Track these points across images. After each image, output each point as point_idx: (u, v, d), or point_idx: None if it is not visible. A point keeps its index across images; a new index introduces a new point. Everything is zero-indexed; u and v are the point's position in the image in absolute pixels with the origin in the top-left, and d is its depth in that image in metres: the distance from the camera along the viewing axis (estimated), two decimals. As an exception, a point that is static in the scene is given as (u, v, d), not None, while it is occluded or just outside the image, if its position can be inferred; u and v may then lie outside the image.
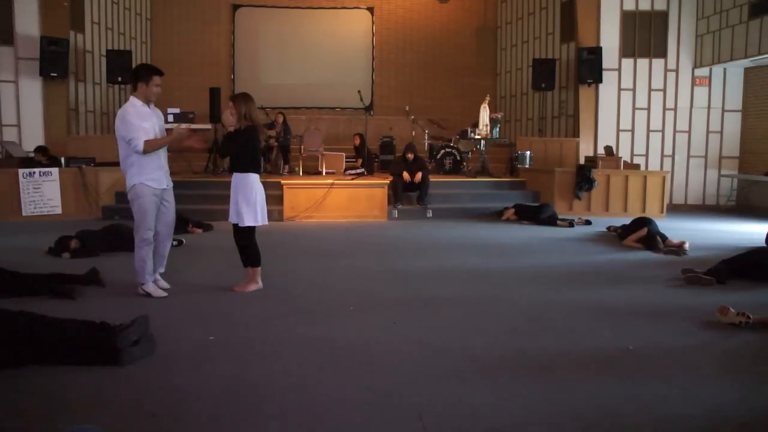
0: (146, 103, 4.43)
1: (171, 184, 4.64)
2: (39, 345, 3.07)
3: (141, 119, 4.31)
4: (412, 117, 11.95)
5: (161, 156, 4.49)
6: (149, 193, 4.38)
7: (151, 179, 4.38)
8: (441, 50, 14.51)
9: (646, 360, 3.30)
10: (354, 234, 7.75)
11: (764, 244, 6.13)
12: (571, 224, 8.50)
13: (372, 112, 13.38)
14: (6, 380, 2.90)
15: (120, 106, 12.57)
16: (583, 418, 2.58)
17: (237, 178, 4.57)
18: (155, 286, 4.56)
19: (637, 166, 10.82)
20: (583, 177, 9.59)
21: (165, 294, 4.52)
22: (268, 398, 2.76)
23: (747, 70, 11.28)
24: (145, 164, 4.35)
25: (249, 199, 4.53)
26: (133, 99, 4.40)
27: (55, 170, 8.78)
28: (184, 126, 4.46)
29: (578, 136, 11.43)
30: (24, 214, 8.55)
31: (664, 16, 11.39)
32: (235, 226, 4.62)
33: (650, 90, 11.49)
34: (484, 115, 10.75)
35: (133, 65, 11.58)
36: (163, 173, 4.50)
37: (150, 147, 4.32)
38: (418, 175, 9.14)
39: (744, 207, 11.13)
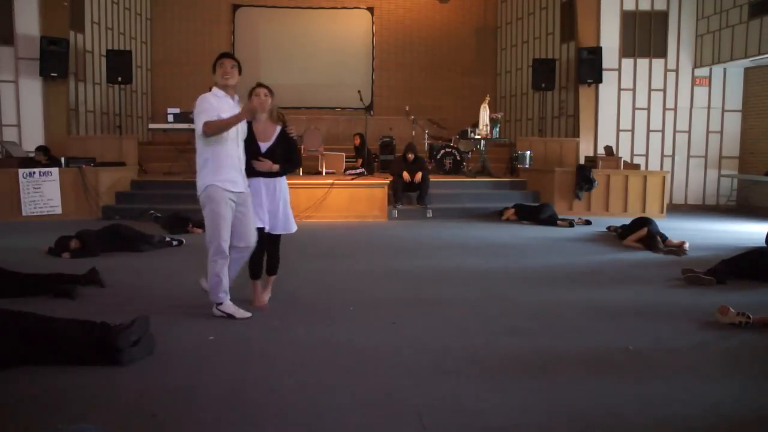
0: (229, 95, 3.91)
1: (249, 190, 4.02)
2: (39, 345, 3.07)
3: (221, 109, 3.78)
4: (412, 117, 11.95)
5: (239, 156, 3.93)
6: (224, 197, 3.79)
7: (226, 180, 3.80)
8: (441, 50, 14.51)
9: (646, 360, 3.30)
10: (354, 234, 7.75)
11: (764, 244, 6.13)
12: (571, 224, 8.50)
13: (372, 112, 13.38)
14: (6, 380, 2.90)
15: (120, 106, 12.58)
16: (584, 418, 2.58)
17: (282, 181, 4.19)
18: (235, 305, 4.00)
19: (637, 166, 10.82)
20: (583, 177, 9.59)
21: (249, 314, 3.97)
22: (268, 398, 2.76)
23: (747, 70, 11.28)
24: (221, 162, 3.79)
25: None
26: (215, 89, 3.94)
27: (55, 170, 8.78)
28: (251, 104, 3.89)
29: (578, 136, 11.43)
30: (24, 214, 8.54)
31: (664, 16, 11.39)
32: (276, 236, 4.24)
33: (650, 90, 11.49)
34: (484, 115, 10.75)
35: (133, 65, 11.60)
36: (240, 175, 3.92)
37: (211, 128, 3.69)
38: (418, 175, 9.14)
39: (744, 207, 11.13)
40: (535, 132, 12.64)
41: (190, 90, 13.03)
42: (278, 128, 4.18)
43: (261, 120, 4.15)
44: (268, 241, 4.24)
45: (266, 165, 4.06)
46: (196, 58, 13.88)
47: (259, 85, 4.16)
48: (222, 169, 3.80)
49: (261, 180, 4.11)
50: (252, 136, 4.09)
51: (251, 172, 4.06)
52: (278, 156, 4.12)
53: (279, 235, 4.27)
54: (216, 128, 3.71)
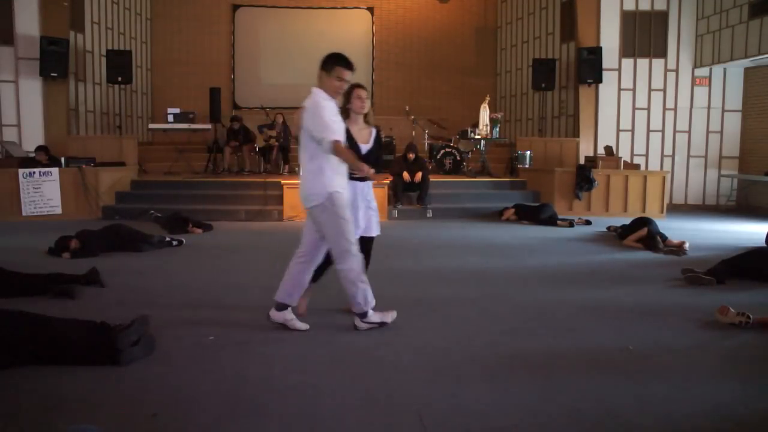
0: (332, 98, 3.67)
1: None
2: (39, 345, 3.07)
3: (334, 114, 3.61)
4: (412, 117, 11.95)
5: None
6: (345, 202, 3.64)
7: (342, 187, 3.64)
8: (441, 50, 14.50)
9: (646, 360, 3.30)
10: (354, 234, 7.74)
11: (764, 244, 6.13)
12: (571, 224, 8.50)
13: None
14: (6, 380, 2.90)
15: (120, 106, 12.57)
16: (584, 418, 2.58)
17: (370, 184, 4.07)
18: (381, 312, 3.75)
19: (637, 166, 10.82)
20: (583, 177, 9.59)
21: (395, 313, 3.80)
22: (268, 398, 2.76)
23: (747, 70, 11.27)
24: (335, 169, 3.60)
25: None
26: (319, 91, 3.61)
27: (55, 170, 8.78)
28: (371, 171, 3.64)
29: (578, 136, 11.42)
30: (24, 214, 8.55)
31: (664, 16, 11.38)
32: (371, 238, 4.15)
33: (650, 90, 11.48)
34: (484, 115, 10.75)
35: (133, 65, 11.59)
36: (346, 181, 3.75)
37: (339, 153, 3.53)
38: (418, 175, 9.14)
39: (744, 207, 11.13)
40: (535, 132, 12.63)
41: (190, 90, 13.21)
42: (374, 130, 4.08)
43: (358, 122, 4.01)
44: (366, 245, 4.08)
45: (366, 169, 3.67)
46: (196, 58, 13.91)
47: (359, 86, 3.96)
48: (337, 176, 3.62)
49: (357, 184, 3.93)
50: (351, 138, 3.90)
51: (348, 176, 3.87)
52: (373, 159, 4.00)
53: (373, 238, 4.17)
54: (340, 154, 3.53)
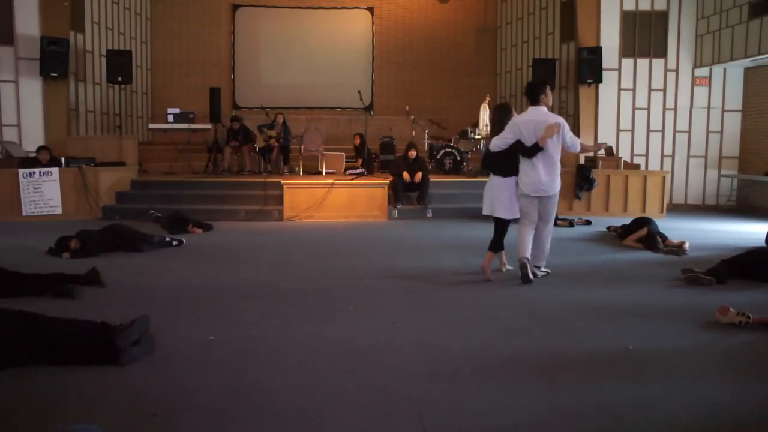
0: None
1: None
2: (39, 345, 3.07)
3: None
4: (412, 117, 11.94)
5: None
6: None
7: None
8: (441, 50, 14.51)
9: (646, 360, 3.30)
10: (354, 234, 7.75)
11: (764, 244, 6.13)
12: (571, 224, 8.50)
13: (372, 112, 13.37)
14: (6, 380, 2.90)
15: (120, 106, 12.54)
16: (583, 418, 2.59)
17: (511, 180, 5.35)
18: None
19: (637, 166, 10.82)
20: (583, 177, 9.59)
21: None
22: (268, 398, 2.76)
23: (747, 70, 11.27)
24: None
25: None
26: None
27: (55, 170, 8.78)
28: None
29: (578, 136, 11.39)
30: (24, 214, 8.55)
31: (664, 16, 11.38)
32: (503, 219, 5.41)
33: (650, 90, 11.48)
34: (484, 115, 10.75)
35: (133, 65, 11.59)
36: None
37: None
38: (418, 175, 9.14)
39: (744, 207, 11.12)
40: (535, 132, 12.60)
41: (190, 90, 13.22)
42: None
43: None
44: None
45: None
46: (196, 58, 13.91)
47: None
48: None
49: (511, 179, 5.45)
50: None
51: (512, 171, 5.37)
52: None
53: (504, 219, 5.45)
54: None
